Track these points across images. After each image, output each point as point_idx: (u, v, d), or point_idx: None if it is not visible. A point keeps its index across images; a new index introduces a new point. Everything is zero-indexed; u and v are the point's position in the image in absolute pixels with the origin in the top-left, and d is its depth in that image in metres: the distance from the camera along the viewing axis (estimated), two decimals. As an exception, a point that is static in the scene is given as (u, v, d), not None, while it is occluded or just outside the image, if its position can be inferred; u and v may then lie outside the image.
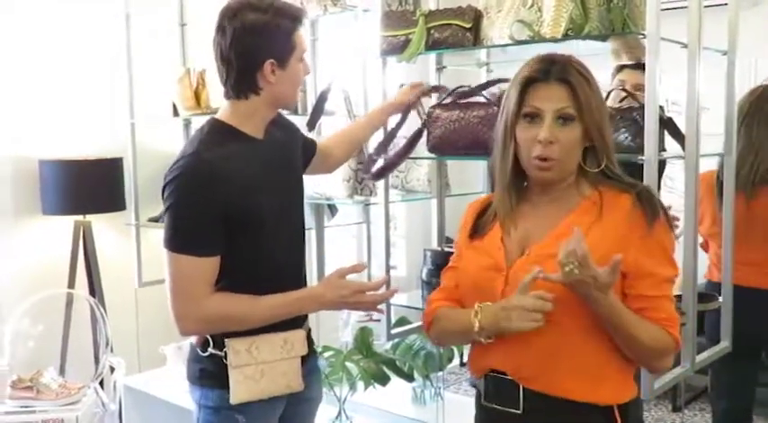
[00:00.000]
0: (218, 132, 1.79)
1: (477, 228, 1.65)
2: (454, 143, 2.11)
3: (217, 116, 1.83)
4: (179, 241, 1.70)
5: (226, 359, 1.78)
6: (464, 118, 2.07)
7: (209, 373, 1.81)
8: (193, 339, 1.85)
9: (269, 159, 1.82)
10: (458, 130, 2.08)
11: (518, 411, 1.54)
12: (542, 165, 1.51)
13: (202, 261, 1.70)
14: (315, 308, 1.88)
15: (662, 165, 2.30)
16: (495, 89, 2.14)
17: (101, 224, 3.43)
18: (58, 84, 3.35)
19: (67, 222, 3.33)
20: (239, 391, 1.77)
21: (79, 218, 3.32)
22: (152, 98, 3.35)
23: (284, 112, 2.88)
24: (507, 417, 1.56)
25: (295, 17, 1.77)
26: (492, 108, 2.05)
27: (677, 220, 2.95)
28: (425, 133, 2.20)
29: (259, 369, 1.78)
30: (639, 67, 2.47)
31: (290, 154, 1.96)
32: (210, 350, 1.80)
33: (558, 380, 1.51)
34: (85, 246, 3.35)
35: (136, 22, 3.33)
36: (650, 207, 1.50)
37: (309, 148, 2.11)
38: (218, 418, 1.83)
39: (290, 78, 1.79)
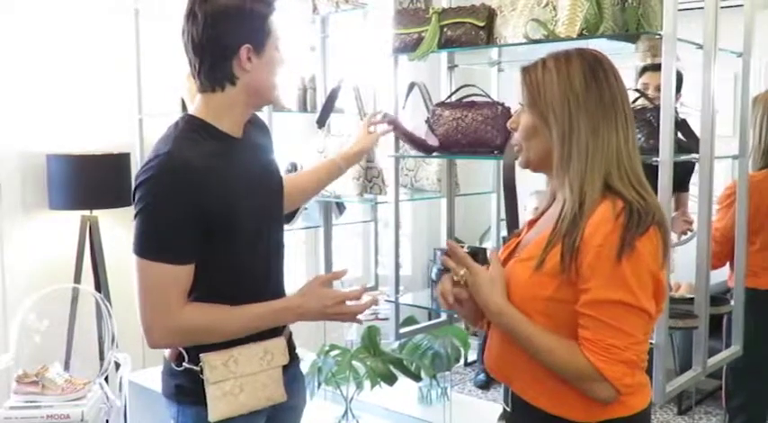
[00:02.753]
0: (193, 129, 1.65)
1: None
2: (458, 142, 2.10)
3: (191, 112, 1.70)
4: (152, 247, 1.57)
5: (202, 374, 1.66)
6: (467, 117, 2.06)
7: (186, 389, 1.69)
8: (166, 353, 1.74)
9: (248, 160, 1.71)
10: (461, 129, 2.07)
11: (509, 409, 1.58)
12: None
13: (176, 269, 1.57)
14: (292, 319, 1.77)
15: (692, 166, 2.29)
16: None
17: (107, 219, 3.42)
18: (66, 79, 3.33)
19: (74, 217, 3.31)
20: (218, 408, 1.65)
21: (86, 213, 3.31)
22: (160, 93, 3.34)
23: (293, 109, 2.90)
24: (507, 413, 1.61)
25: (269, 1, 1.66)
26: (495, 107, 2.04)
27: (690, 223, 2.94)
28: (429, 131, 2.19)
29: (238, 383, 1.67)
30: (652, 67, 2.47)
31: (269, 156, 1.84)
32: (185, 365, 1.67)
33: (523, 385, 1.52)
34: (92, 241, 3.34)
35: (144, 17, 3.32)
36: (636, 224, 1.36)
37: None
38: None
39: (267, 66, 1.67)
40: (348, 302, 1.73)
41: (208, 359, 1.65)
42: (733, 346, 2.26)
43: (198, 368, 1.66)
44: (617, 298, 1.34)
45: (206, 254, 1.62)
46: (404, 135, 2.22)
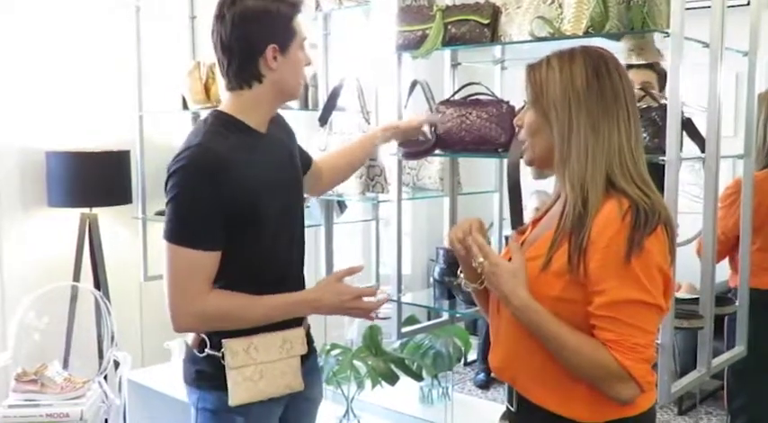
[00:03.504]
0: (222, 124, 1.75)
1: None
2: (461, 140, 2.09)
3: (220, 108, 1.79)
4: (180, 233, 1.66)
5: (223, 360, 1.74)
6: (471, 115, 2.05)
7: (207, 374, 1.77)
8: (189, 340, 1.81)
9: (272, 155, 1.80)
10: (465, 127, 2.07)
11: (513, 409, 1.58)
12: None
13: (203, 255, 1.66)
14: (309, 312, 1.85)
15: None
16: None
17: (107, 217, 3.41)
18: (66, 75, 3.32)
19: (73, 215, 3.30)
20: (238, 393, 1.73)
21: (85, 210, 3.29)
22: (160, 91, 3.33)
23: (295, 107, 2.89)
24: (511, 413, 1.60)
25: (294, 3, 1.75)
26: (501, 105, 2.03)
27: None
28: (432, 129, 2.18)
29: (258, 370, 1.74)
30: (647, 66, 2.46)
31: (291, 152, 1.92)
32: (207, 351, 1.75)
33: (528, 385, 1.51)
34: (91, 239, 3.32)
35: (145, 15, 3.31)
36: (643, 223, 1.35)
37: (305, 162, 2.05)
38: (216, 421, 1.78)
39: (292, 65, 1.76)
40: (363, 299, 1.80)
41: (230, 345, 1.73)
42: (737, 346, 2.25)
43: (219, 354, 1.73)
44: (635, 297, 1.35)
45: (232, 243, 1.70)
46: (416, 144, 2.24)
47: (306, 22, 1.79)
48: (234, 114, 1.76)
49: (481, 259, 1.46)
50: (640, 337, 1.36)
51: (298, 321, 1.83)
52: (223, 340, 1.73)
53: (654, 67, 2.72)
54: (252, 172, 1.70)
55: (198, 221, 1.66)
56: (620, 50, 2.32)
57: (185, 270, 1.66)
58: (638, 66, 2.42)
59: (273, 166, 1.79)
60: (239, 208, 1.67)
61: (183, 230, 1.66)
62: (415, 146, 2.26)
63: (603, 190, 1.40)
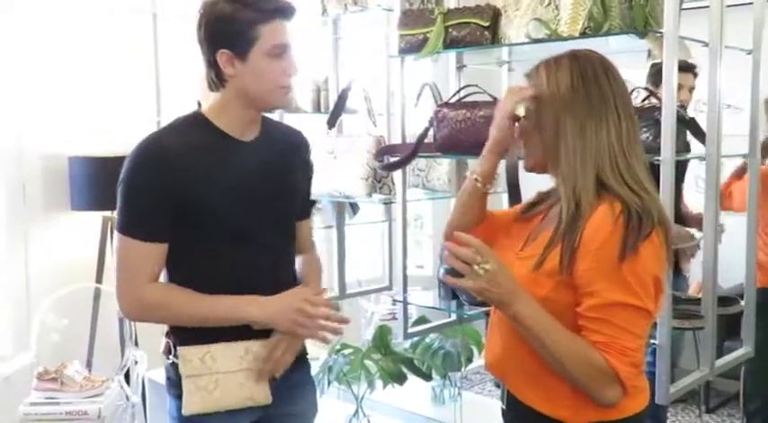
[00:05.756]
0: (189, 122, 1.73)
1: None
2: (461, 142, 2.11)
3: (201, 109, 1.76)
4: (123, 223, 1.65)
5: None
6: (470, 117, 2.06)
7: (172, 381, 1.73)
8: (161, 346, 1.77)
9: (246, 163, 1.72)
10: (464, 130, 2.08)
11: (504, 407, 1.59)
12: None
13: (145, 246, 1.64)
14: (255, 311, 1.68)
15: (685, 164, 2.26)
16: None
17: (128, 220, 3.48)
18: (86, 83, 3.40)
19: (95, 218, 3.38)
20: (191, 403, 1.66)
21: (107, 214, 3.37)
22: (178, 96, 3.39)
23: (308, 110, 2.93)
24: (503, 410, 1.61)
25: (260, 9, 1.63)
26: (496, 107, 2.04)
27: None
28: (432, 133, 2.19)
29: (213, 379, 1.66)
30: (684, 68, 2.44)
31: (282, 167, 1.80)
32: (171, 358, 1.72)
33: (516, 382, 1.52)
34: (113, 241, 3.40)
35: (163, 22, 3.37)
36: (637, 227, 1.34)
37: (302, 210, 1.93)
38: None
39: (255, 73, 1.65)
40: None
41: (183, 353, 1.68)
42: (744, 346, 2.23)
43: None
44: (625, 300, 1.34)
45: (180, 239, 1.67)
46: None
47: (284, 28, 1.66)
48: (208, 116, 1.72)
49: (489, 265, 1.37)
50: (629, 340, 1.35)
51: (265, 332, 1.71)
52: (178, 347, 1.69)
53: (691, 68, 2.71)
54: (207, 173, 1.66)
55: (137, 212, 1.64)
56: (633, 49, 2.33)
57: (128, 258, 1.65)
58: (685, 67, 2.42)
59: (243, 173, 1.71)
60: (183, 204, 1.63)
61: (125, 220, 1.65)
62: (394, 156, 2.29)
63: (595, 191, 1.40)
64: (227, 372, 1.68)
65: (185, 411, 1.67)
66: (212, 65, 1.68)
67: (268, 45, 1.64)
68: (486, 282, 1.36)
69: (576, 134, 1.42)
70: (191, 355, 1.67)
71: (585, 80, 1.43)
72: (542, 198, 1.63)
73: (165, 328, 1.80)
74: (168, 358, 1.73)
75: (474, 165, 1.67)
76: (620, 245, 1.33)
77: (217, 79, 1.69)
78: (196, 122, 1.72)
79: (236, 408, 1.69)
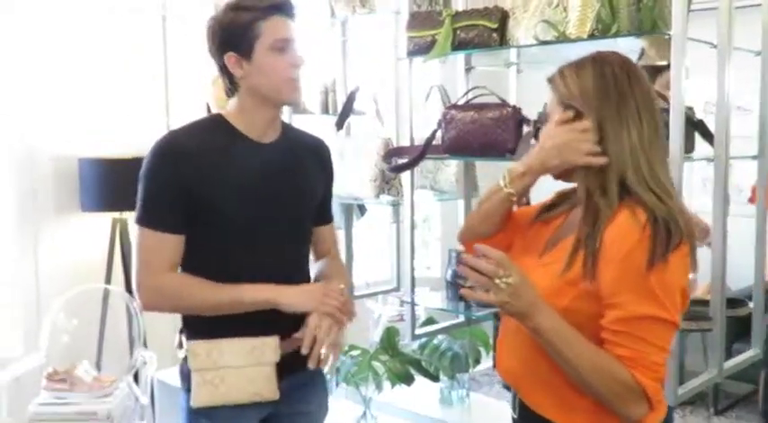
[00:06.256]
0: (208, 123, 1.82)
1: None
2: (469, 144, 2.11)
3: (222, 111, 1.84)
4: (140, 214, 1.72)
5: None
6: (478, 119, 2.07)
7: (184, 375, 1.79)
8: (176, 340, 1.83)
9: (264, 165, 1.77)
10: (472, 132, 2.08)
11: (515, 416, 1.55)
12: None
13: (161, 236, 1.70)
14: (272, 294, 1.72)
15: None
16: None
17: (137, 221, 3.50)
18: (96, 85, 3.42)
19: (105, 219, 3.40)
20: (198, 395, 1.72)
21: (116, 215, 3.39)
22: (187, 99, 3.41)
23: (316, 112, 2.94)
24: (513, 419, 1.57)
25: (253, 7, 1.69)
26: (506, 109, 2.04)
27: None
28: (440, 134, 2.20)
29: (219, 374, 1.72)
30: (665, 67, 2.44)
31: (299, 170, 1.85)
32: (182, 352, 1.78)
33: (531, 392, 1.47)
34: (122, 242, 3.42)
35: (172, 25, 3.39)
36: (666, 237, 1.29)
37: (321, 216, 1.96)
38: (188, 421, 1.79)
39: (263, 69, 1.71)
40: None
41: (192, 347, 1.73)
42: (752, 348, 2.23)
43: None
44: (653, 313, 1.29)
45: (192, 237, 1.72)
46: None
47: (285, 23, 1.71)
48: (226, 117, 1.79)
49: (512, 278, 1.31)
50: (656, 354, 1.31)
51: (272, 330, 1.75)
52: (187, 341, 1.75)
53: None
54: (220, 171, 1.71)
55: (153, 204, 1.71)
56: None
57: (145, 248, 1.72)
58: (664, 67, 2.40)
59: (259, 175, 1.76)
60: (195, 199, 1.69)
61: (142, 212, 1.72)
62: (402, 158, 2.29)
63: (617, 195, 1.36)
64: (234, 367, 1.72)
65: (193, 404, 1.72)
66: (224, 70, 1.74)
67: (270, 40, 1.70)
68: (509, 296, 1.31)
69: (595, 137, 1.39)
70: (199, 350, 1.72)
71: (605, 80, 1.40)
72: (561, 199, 1.58)
73: (178, 325, 1.84)
74: (180, 353, 1.79)
75: (505, 170, 1.57)
76: (648, 255, 1.28)
77: (231, 84, 1.76)
78: (215, 124, 1.79)
79: (244, 402, 1.73)
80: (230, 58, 1.71)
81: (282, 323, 1.74)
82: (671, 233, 1.29)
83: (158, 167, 1.70)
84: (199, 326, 1.76)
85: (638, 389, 1.30)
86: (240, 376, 1.72)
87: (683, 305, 1.35)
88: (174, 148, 1.71)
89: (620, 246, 1.31)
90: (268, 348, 1.74)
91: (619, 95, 1.39)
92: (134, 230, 1.75)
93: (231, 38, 1.70)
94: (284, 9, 1.73)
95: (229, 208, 1.72)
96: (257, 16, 1.69)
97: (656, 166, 1.38)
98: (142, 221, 1.72)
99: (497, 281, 1.31)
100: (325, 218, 1.98)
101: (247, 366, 1.72)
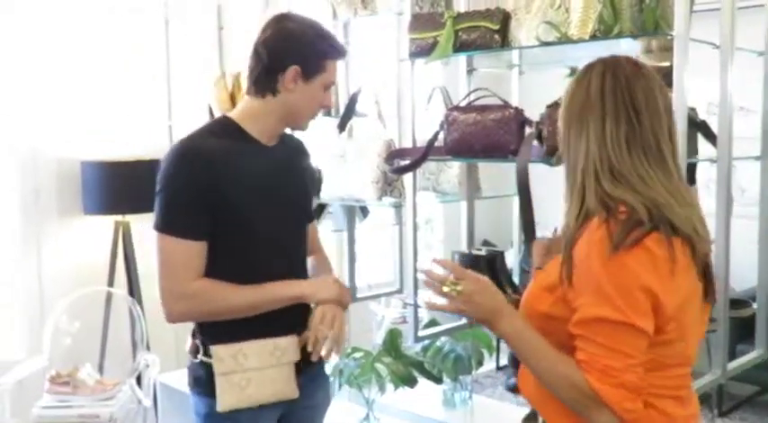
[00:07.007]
0: (220, 127, 1.82)
1: None
2: (471, 146, 2.11)
3: (228, 114, 1.85)
4: (162, 222, 1.71)
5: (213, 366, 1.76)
6: (480, 121, 2.07)
7: (201, 380, 1.80)
8: (187, 346, 1.84)
9: (271, 167, 1.82)
10: (474, 133, 2.08)
11: None
12: None
13: (184, 243, 1.70)
14: (298, 291, 1.79)
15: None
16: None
17: (139, 224, 3.49)
18: (98, 87, 3.43)
19: (108, 222, 3.40)
20: (225, 399, 1.74)
21: (119, 218, 3.40)
22: (189, 101, 3.41)
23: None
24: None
25: (333, 46, 1.81)
26: (508, 110, 2.04)
27: None
28: (442, 136, 2.20)
29: (246, 376, 1.75)
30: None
31: (297, 171, 1.93)
32: (200, 357, 1.79)
33: (537, 404, 1.45)
34: (125, 245, 3.43)
35: (174, 27, 3.40)
36: (623, 234, 1.25)
37: (309, 213, 2.05)
38: None
39: (309, 95, 1.79)
40: None
41: (217, 351, 1.74)
42: (756, 349, 2.22)
43: (210, 360, 1.76)
44: (603, 315, 1.25)
45: (213, 239, 1.73)
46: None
47: (336, 67, 1.84)
48: (237, 121, 1.81)
49: (461, 286, 1.35)
50: (614, 359, 1.24)
51: (290, 329, 1.80)
52: (211, 346, 1.75)
53: None
54: (237, 175, 1.73)
55: (175, 211, 1.71)
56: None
57: (169, 256, 1.71)
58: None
59: (268, 178, 1.81)
60: (217, 204, 1.70)
61: (163, 219, 1.71)
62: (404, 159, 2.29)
63: (597, 200, 1.31)
64: (259, 368, 1.76)
65: (220, 408, 1.74)
66: (273, 73, 1.76)
67: (328, 79, 1.82)
68: (462, 303, 1.35)
69: (572, 142, 1.37)
70: (223, 354, 1.74)
71: (580, 85, 1.37)
72: None
73: (179, 328, 1.85)
74: (196, 358, 1.80)
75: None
76: (599, 255, 1.25)
77: (271, 88, 1.77)
78: (226, 127, 1.81)
79: (268, 402, 1.78)
80: (294, 70, 1.75)
81: (294, 321, 1.80)
82: (632, 231, 1.24)
83: (181, 172, 1.71)
84: (218, 328, 1.77)
85: (592, 394, 1.26)
86: (264, 377, 1.76)
87: (656, 308, 1.26)
88: (195, 152, 1.72)
89: (582, 247, 1.30)
90: (289, 348, 1.79)
91: (586, 100, 1.35)
92: (153, 237, 1.72)
93: (304, 55, 1.76)
94: (343, 57, 1.88)
95: (250, 210, 1.76)
96: (331, 53, 1.81)
97: (633, 165, 1.31)
98: (166, 229, 1.71)
99: (446, 288, 1.35)
100: (311, 216, 2.05)
101: (269, 367, 1.77)
